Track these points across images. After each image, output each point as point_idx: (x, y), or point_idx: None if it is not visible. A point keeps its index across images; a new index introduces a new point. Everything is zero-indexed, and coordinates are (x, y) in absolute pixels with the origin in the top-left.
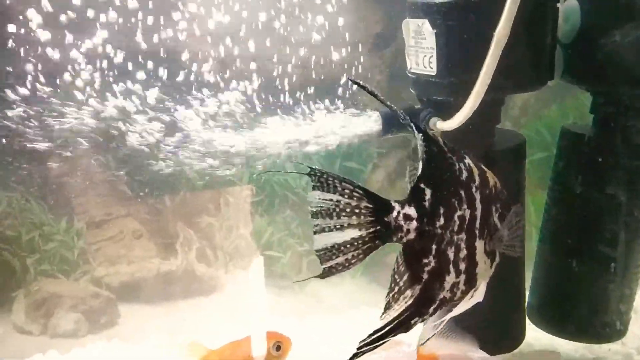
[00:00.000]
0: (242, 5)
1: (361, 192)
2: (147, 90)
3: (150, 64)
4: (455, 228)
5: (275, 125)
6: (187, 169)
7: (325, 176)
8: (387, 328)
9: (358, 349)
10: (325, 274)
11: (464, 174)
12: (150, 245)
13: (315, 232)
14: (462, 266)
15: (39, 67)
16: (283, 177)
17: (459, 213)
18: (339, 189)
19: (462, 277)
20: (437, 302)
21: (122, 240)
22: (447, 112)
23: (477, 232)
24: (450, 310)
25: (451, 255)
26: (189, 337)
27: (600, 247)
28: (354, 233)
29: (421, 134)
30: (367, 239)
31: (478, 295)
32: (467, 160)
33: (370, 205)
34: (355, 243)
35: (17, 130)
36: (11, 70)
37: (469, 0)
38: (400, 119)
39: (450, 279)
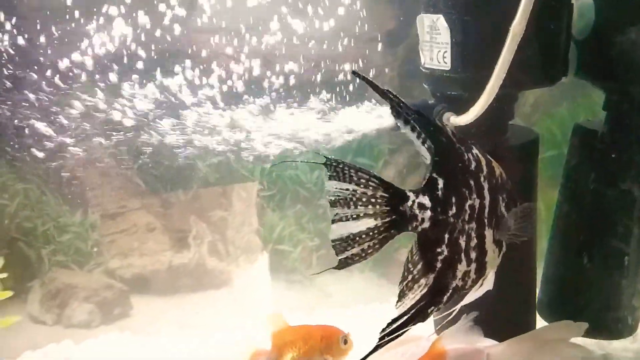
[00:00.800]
0: (258, 2)
1: (377, 181)
2: (162, 85)
3: (165, 61)
4: (466, 217)
5: (287, 119)
6: (200, 163)
7: (341, 165)
8: (406, 317)
9: (380, 339)
10: (341, 265)
11: (473, 164)
12: (163, 239)
13: (333, 222)
14: (473, 255)
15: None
16: (294, 172)
17: (469, 202)
18: (355, 178)
19: (473, 265)
20: (450, 290)
21: (135, 233)
22: (460, 107)
23: (486, 221)
24: (460, 299)
25: (463, 244)
26: (201, 331)
27: (613, 243)
28: (369, 223)
29: (431, 125)
30: (382, 228)
31: (487, 283)
32: (475, 151)
33: (386, 195)
34: (371, 233)
35: (34, 124)
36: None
37: None
38: (406, 113)
39: (462, 267)
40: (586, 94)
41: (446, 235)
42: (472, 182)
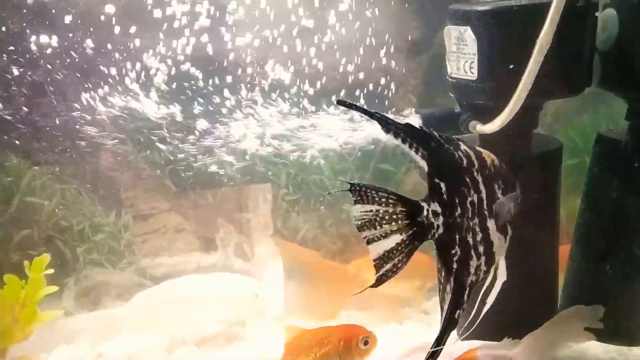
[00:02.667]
0: (281, 11)
1: (395, 197)
2: (195, 90)
3: (199, 68)
4: (469, 214)
5: (311, 126)
6: (228, 166)
7: (364, 189)
8: (440, 330)
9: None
10: (378, 282)
11: (464, 161)
12: (192, 239)
13: (368, 243)
14: (481, 249)
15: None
16: (319, 177)
17: (469, 199)
18: (377, 198)
19: (482, 258)
20: (467, 288)
21: (165, 234)
22: (486, 116)
23: (486, 213)
24: (484, 302)
25: (470, 240)
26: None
27: (635, 250)
28: (397, 238)
29: (420, 134)
30: (407, 241)
31: (501, 274)
32: (463, 146)
33: (404, 209)
34: (400, 247)
35: (72, 127)
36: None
37: (511, 7)
38: (395, 128)
39: (473, 263)
40: (608, 104)
41: (457, 236)
42: (467, 179)
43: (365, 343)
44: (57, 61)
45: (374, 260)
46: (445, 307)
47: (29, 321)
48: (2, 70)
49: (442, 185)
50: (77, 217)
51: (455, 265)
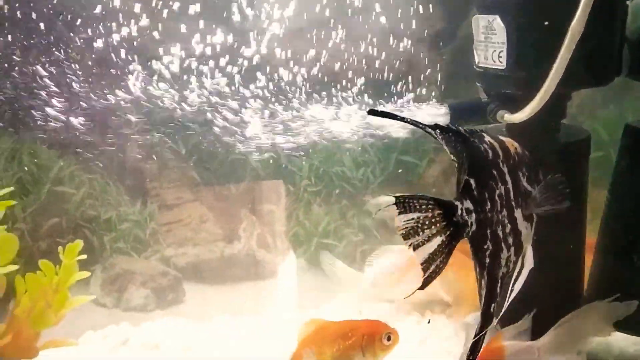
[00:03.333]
0: (307, 3)
1: (433, 202)
2: (222, 82)
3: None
4: (498, 207)
5: (334, 116)
6: (252, 158)
7: (406, 199)
8: (480, 324)
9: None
10: (424, 284)
11: (490, 153)
12: (215, 230)
13: (414, 249)
14: (510, 240)
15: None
16: (340, 169)
17: (497, 192)
18: (417, 206)
19: (512, 249)
20: (499, 280)
21: (189, 224)
22: (514, 105)
23: (513, 203)
24: (512, 290)
25: (500, 233)
26: (249, 318)
27: None
28: (438, 240)
29: (448, 131)
30: (447, 242)
31: (528, 261)
32: (487, 138)
33: (440, 211)
34: (441, 249)
35: (100, 118)
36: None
37: None
38: (428, 127)
39: (504, 255)
40: (634, 95)
41: (488, 231)
42: (494, 172)
43: (389, 339)
44: (85, 52)
45: (421, 264)
46: (480, 302)
47: (61, 305)
48: (28, 62)
49: (472, 181)
50: (104, 206)
51: (487, 260)
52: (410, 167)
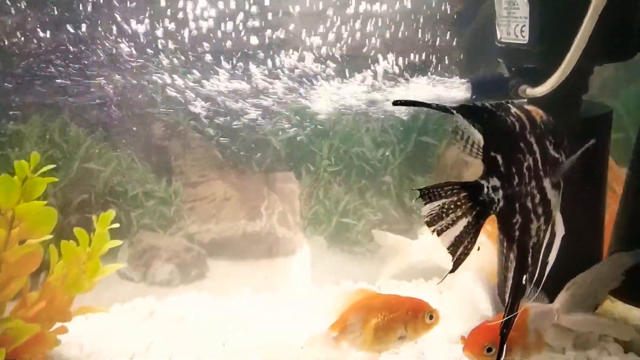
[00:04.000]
0: None
1: (458, 186)
2: (244, 60)
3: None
4: (527, 179)
5: (355, 92)
6: (273, 138)
7: (431, 190)
8: (510, 300)
9: (501, 333)
10: (455, 266)
11: (517, 125)
12: (238, 207)
13: (438, 234)
14: (540, 210)
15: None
16: (360, 149)
17: (525, 164)
18: (442, 193)
19: (542, 218)
20: (530, 250)
21: (213, 201)
22: (536, 80)
23: (542, 173)
24: (547, 259)
25: (530, 205)
26: (270, 294)
27: None
28: (463, 222)
29: (472, 108)
30: (473, 222)
31: (559, 229)
32: (513, 109)
33: (465, 192)
34: (467, 230)
35: (125, 96)
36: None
37: None
38: (451, 109)
39: (534, 225)
40: None
41: (517, 205)
42: (522, 145)
43: (431, 317)
44: (114, 31)
45: (448, 248)
46: (510, 275)
47: (94, 272)
48: (59, 42)
49: (499, 157)
50: (131, 183)
51: (517, 233)
52: (429, 147)
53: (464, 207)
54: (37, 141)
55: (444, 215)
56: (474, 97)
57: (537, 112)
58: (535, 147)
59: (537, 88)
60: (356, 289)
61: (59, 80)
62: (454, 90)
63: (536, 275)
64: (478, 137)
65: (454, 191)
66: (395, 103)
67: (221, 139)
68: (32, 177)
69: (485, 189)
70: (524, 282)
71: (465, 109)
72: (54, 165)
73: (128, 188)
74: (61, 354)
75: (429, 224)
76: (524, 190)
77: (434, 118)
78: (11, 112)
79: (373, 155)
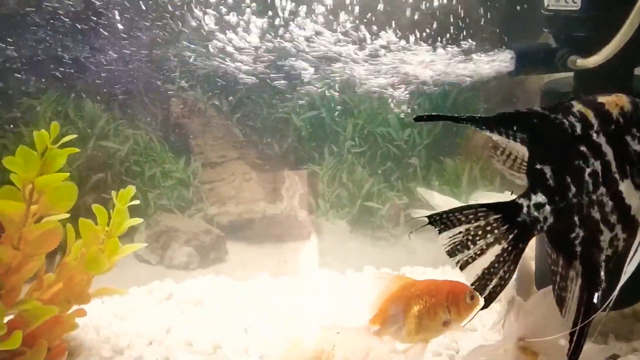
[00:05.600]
0: None
1: (484, 208)
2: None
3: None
4: (590, 187)
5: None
6: (295, 117)
7: (445, 215)
8: (581, 319)
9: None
10: (487, 302)
11: (577, 127)
12: (258, 189)
13: (461, 269)
14: (613, 218)
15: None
16: (386, 130)
17: (588, 171)
18: (463, 218)
19: (618, 227)
20: (603, 264)
21: (232, 182)
22: (586, 50)
23: (616, 176)
24: (624, 272)
25: (597, 215)
26: (289, 278)
27: None
28: (496, 250)
29: (517, 116)
30: (510, 248)
31: None
32: (576, 108)
33: (498, 215)
34: (502, 258)
35: (143, 74)
36: None
37: None
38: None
39: (605, 237)
40: None
41: (575, 217)
42: (583, 148)
43: (472, 298)
44: (131, 9)
45: (473, 285)
46: (569, 295)
47: (113, 251)
48: (81, 20)
49: (547, 169)
50: (149, 162)
51: (579, 249)
52: (458, 129)
53: (497, 231)
54: (52, 117)
55: (469, 243)
56: (517, 67)
57: (616, 104)
58: (605, 147)
59: (590, 58)
60: (392, 276)
61: (73, 55)
62: (496, 63)
63: (617, 289)
64: (521, 150)
65: (480, 215)
66: (417, 119)
67: (241, 116)
68: (52, 149)
69: (525, 208)
70: (595, 300)
71: (507, 119)
72: (76, 136)
73: (145, 168)
74: (77, 338)
75: (451, 254)
76: (586, 201)
77: (465, 95)
78: (23, 88)
79: (399, 135)
